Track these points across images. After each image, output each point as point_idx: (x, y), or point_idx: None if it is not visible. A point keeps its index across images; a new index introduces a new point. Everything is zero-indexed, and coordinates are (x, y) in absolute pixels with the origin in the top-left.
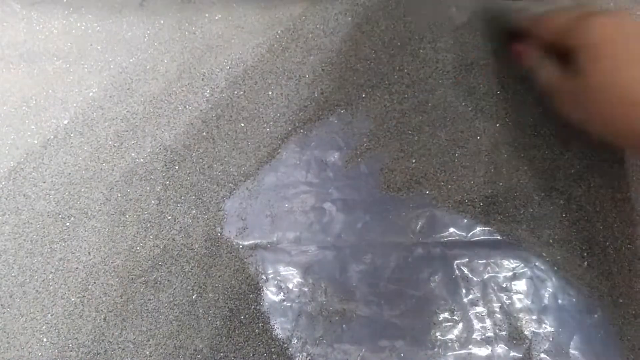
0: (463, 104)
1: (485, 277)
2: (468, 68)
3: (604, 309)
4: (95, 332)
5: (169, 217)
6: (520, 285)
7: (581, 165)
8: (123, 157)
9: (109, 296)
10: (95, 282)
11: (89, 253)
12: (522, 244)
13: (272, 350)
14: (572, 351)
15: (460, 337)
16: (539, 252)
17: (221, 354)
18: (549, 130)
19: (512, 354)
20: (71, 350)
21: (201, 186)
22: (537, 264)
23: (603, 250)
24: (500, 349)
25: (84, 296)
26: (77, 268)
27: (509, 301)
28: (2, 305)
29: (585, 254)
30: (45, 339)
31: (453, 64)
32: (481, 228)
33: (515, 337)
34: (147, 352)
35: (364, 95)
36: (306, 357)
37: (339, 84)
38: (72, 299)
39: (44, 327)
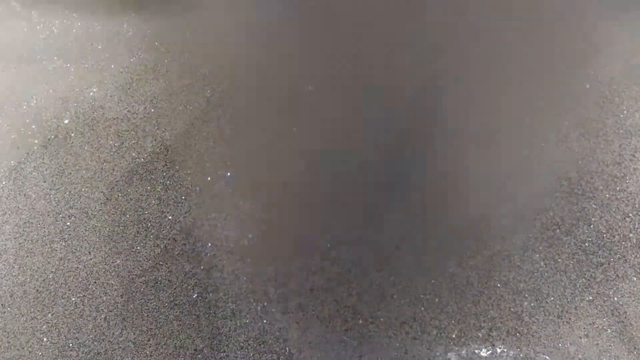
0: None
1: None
2: None
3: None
4: (95, 332)
5: (170, 217)
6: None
7: None
8: (124, 157)
9: (109, 296)
10: (95, 282)
11: (89, 253)
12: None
13: (273, 349)
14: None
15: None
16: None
17: (222, 354)
18: None
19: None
20: (71, 350)
21: (202, 186)
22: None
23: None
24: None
25: (84, 296)
26: (77, 268)
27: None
28: (2, 304)
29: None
30: (45, 339)
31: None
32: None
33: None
34: (147, 352)
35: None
36: (307, 357)
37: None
38: (73, 299)
39: (44, 326)
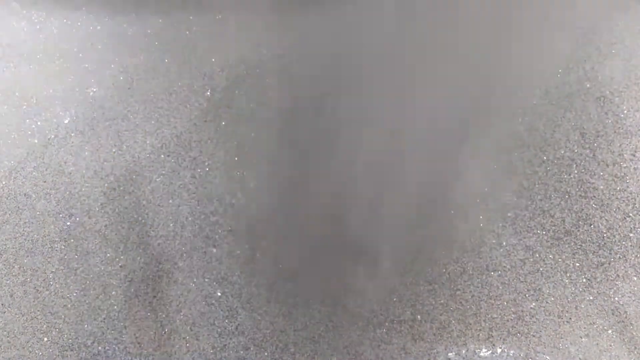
0: None
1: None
2: None
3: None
4: (95, 331)
5: (171, 217)
6: None
7: None
8: (124, 156)
9: (109, 295)
10: (95, 282)
11: (89, 253)
12: None
13: (276, 349)
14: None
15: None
16: None
17: (224, 354)
18: None
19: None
20: (71, 350)
21: (203, 185)
22: None
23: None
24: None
25: (84, 296)
26: (77, 268)
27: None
28: (2, 304)
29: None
30: (45, 338)
31: None
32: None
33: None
34: (148, 352)
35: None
36: (308, 357)
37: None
38: (73, 299)
39: (44, 326)
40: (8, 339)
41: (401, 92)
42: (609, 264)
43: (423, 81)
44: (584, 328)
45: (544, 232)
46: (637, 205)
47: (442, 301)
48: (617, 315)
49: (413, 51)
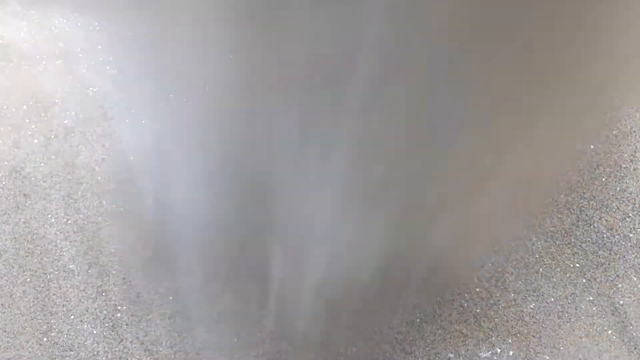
0: None
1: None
2: None
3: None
4: (95, 331)
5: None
6: None
7: None
8: (125, 155)
9: (109, 296)
10: (95, 282)
11: (88, 253)
12: None
13: (281, 348)
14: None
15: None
16: None
17: (225, 354)
18: None
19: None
20: (71, 350)
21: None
22: None
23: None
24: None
25: (84, 296)
26: (77, 268)
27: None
28: (2, 304)
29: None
30: (45, 339)
31: None
32: None
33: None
34: (149, 352)
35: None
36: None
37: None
38: (73, 299)
39: (44, 326)
40: (8, 339)
41: (406, 96)
42: (609, 264)
43: (432, 84)
44: (584, 328)
45: (544, 232)
46: (636, 206)
47: (442, 302)
48: (617, 316)
49: (414, 54)
